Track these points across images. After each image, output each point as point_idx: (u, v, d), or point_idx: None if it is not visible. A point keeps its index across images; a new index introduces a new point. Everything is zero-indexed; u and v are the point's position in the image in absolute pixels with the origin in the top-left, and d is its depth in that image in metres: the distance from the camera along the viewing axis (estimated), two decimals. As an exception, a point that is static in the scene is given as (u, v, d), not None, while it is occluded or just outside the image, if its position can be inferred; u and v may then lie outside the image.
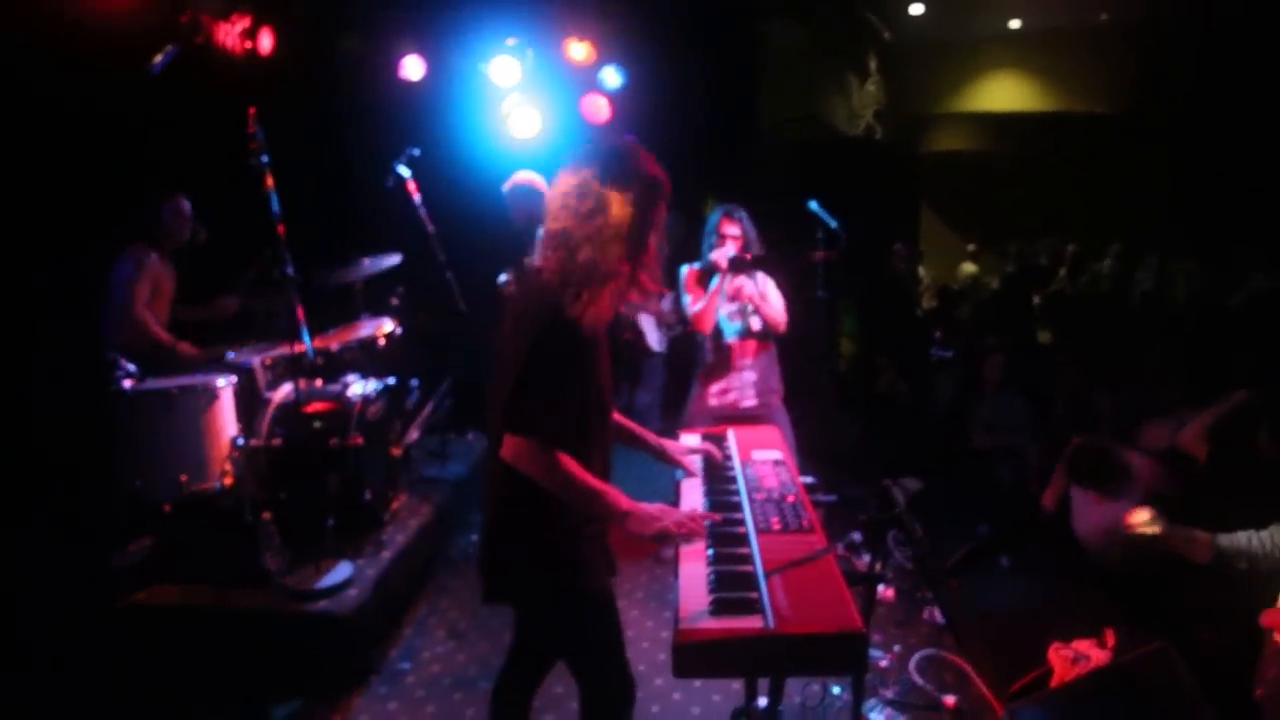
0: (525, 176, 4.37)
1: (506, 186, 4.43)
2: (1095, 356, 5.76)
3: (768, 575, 1.76)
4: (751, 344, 3.93)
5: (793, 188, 4.33)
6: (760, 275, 3.88)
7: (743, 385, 3.90)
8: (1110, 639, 2.72)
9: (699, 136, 5.93)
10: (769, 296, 3.88)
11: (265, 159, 3.17)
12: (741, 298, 3.86)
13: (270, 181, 3.22)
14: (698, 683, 3.11)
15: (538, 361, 1.79)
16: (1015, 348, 5.93)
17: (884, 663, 3.20)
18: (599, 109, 5.76)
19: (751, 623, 1.62)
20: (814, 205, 4.08)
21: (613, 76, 5.73)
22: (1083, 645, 2.73)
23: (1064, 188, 11.37)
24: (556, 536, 1.90)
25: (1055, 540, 3.80)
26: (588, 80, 5.80)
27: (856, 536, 2.62)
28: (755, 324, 3.90)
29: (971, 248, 11.56)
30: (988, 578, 3.77)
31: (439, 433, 4.82)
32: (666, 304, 5.51)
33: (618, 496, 1.88)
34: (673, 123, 5.83)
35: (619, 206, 1.83)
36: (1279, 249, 7.81)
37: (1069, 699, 2.45)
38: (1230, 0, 9.14)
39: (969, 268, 11.13)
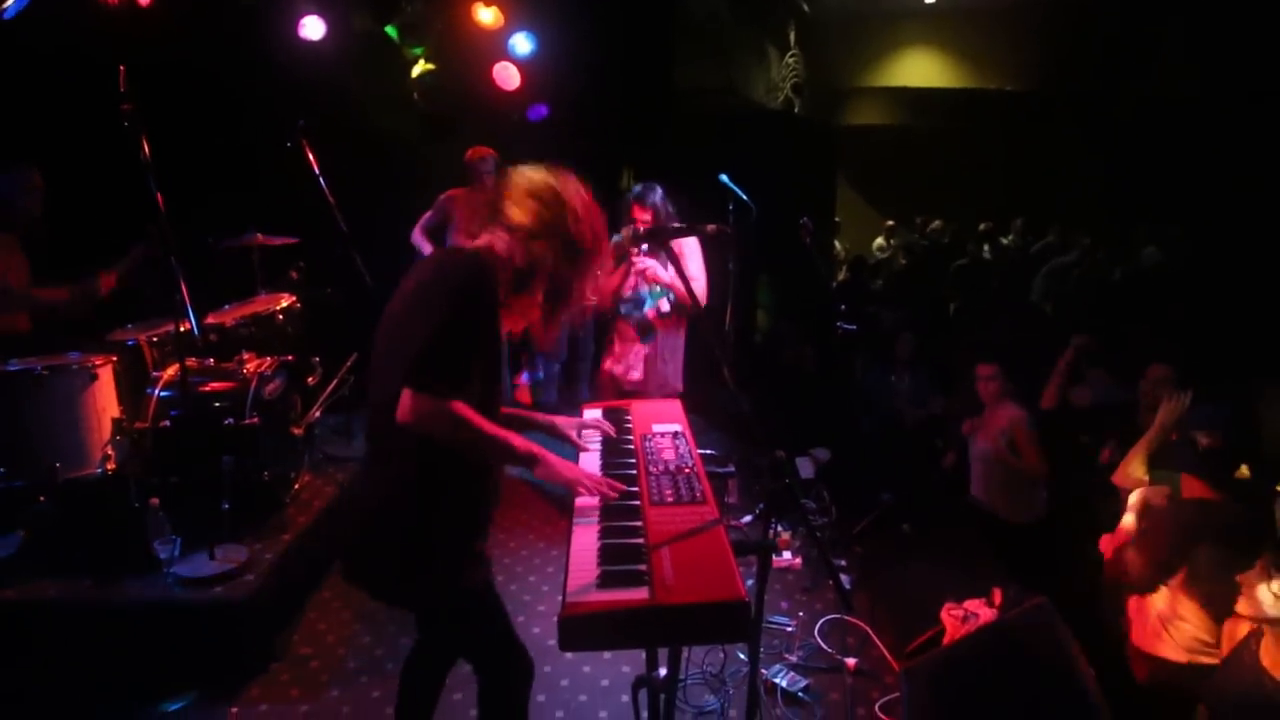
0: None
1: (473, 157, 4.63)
2: (998, 326, 6.00)
3: (655, 547, 1.76)
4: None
5: (710, 159, 4.30)
6: (689, 244, 3.84)
7: (635, 359, 3.93)
8: (998, 597, 2.85)
9: (613, 107, 5.83)
10: (690, 269, 3.80)
11: (141, 122, 2.95)
12: (647, 278, 3.85)
13: (147, 147, 3.01)
14: (607, 655, 3.11)
15: (458, 313, 1.74)
16: (921, 322, 6.13)
17: (790, 628, 3.28)
18: (510, 76, 5.60)
19: (636, 594, 1.62)
20: (724, 178, 4.08)
21: (523, 43, 5.57)
22: (973, 604, 2.85)
23: (979, 163, 11.72)
24: (435, 534, 1.85)
25: (951, 502, 3.97)
26: (498, 46, 5.63)
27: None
28: (664, 306, 3.90)
29: (890, 223, 11.84)
30: (891, 543, 3.91)
31: (343, 410, 4.68)
32: None
33: (526, 442, 1.87)
34: (586, 92, 5.71)
35: (581, 228, 1.87)
36: (1177, 225, 8.27)
37: (955, 656, 2.56)
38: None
39: (879, 242, 11.42)
